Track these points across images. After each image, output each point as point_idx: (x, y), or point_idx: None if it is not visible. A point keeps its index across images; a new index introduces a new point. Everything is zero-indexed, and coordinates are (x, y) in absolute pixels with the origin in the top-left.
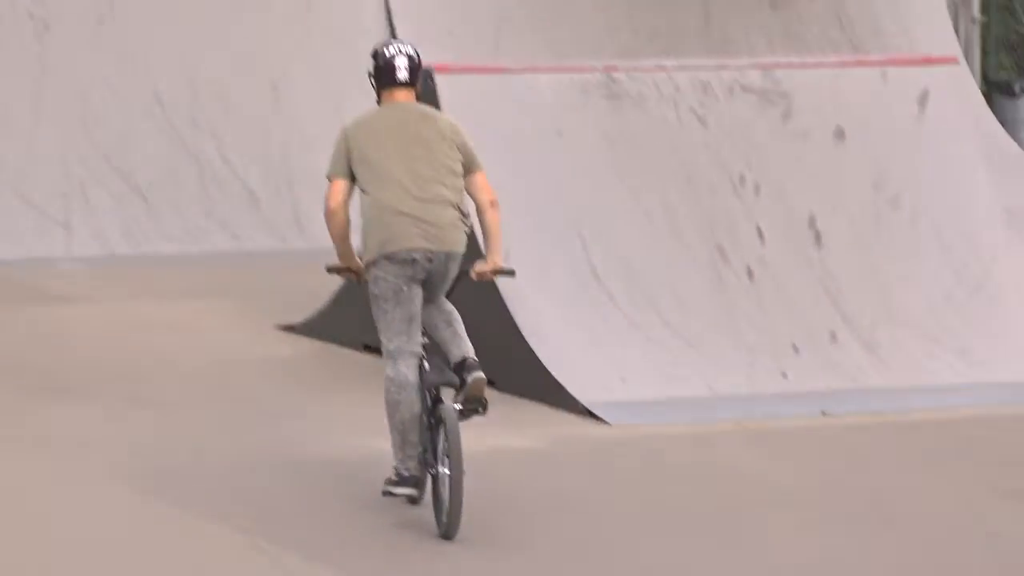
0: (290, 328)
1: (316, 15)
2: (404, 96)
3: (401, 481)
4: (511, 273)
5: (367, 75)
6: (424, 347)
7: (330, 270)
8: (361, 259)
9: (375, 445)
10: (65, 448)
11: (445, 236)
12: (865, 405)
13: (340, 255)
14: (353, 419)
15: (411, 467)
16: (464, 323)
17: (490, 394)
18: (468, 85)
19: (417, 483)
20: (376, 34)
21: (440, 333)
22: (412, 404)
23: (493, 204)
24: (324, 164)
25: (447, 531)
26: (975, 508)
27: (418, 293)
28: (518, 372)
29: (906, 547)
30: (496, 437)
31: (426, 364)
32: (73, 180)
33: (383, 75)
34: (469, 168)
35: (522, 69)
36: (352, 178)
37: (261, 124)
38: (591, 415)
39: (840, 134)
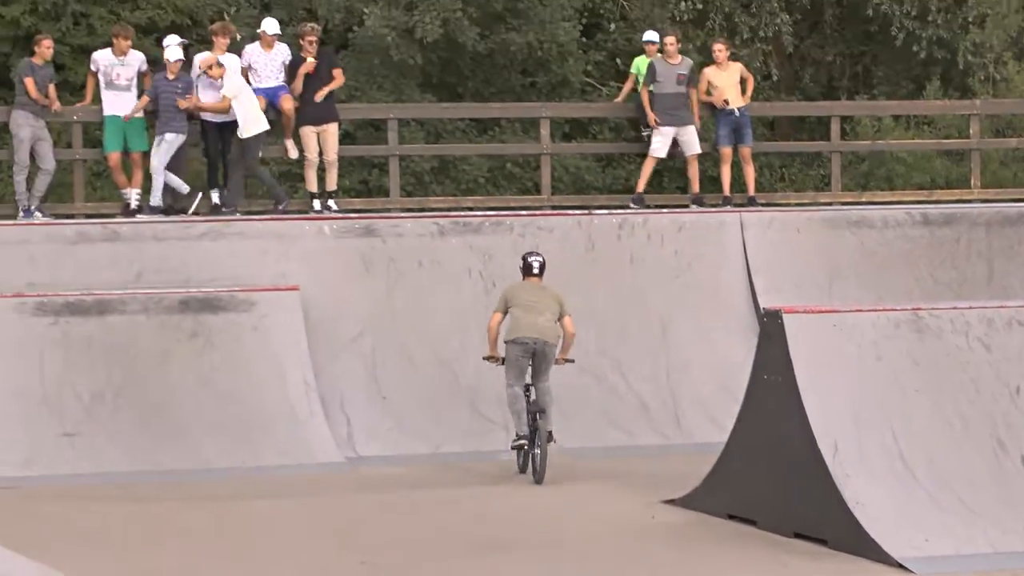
0: (672, 502)
1: (694, 271)
2: (534, 280)
3: (518, 438)
4: (571, 361)
5: (519, 267)
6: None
7: (485, 358)
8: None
9: None
10: None
11: (545, 332)
12: None
13: (490, 350)
14: (723, 569)
15: (522, 431)
16: (802, 496)
17: (821, 551)
18: (809, 322)
19: (526, 438)
20: (737, 287)
21: (539, 396)
22: (520, 401)
23: (572, 335)
24: (698, 384)
25: (538, 479)
26: None
27: (528, 362)
28: (844, 533)
29: None
30: None
31: (532, 396)
32: None
33: (525, 268)
34: (562, 314)
35: (850, 310)
36: (505, 312)
37: (651, 352)
38: (902, 567)
39: None
